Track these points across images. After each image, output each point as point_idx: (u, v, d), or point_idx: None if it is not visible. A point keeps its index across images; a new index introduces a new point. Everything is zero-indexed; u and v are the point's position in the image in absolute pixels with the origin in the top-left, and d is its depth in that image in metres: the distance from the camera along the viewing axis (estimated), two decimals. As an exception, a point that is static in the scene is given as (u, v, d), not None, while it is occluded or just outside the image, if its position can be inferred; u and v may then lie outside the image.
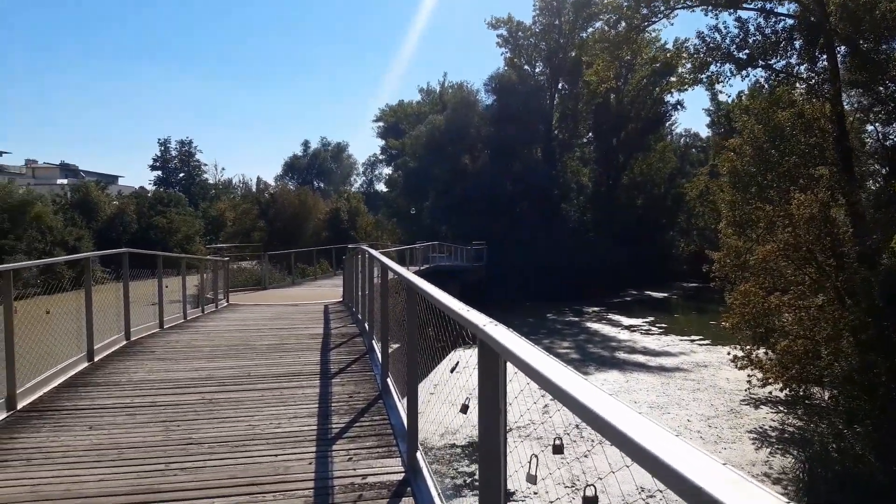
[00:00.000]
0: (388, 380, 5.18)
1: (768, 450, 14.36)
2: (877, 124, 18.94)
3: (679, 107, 51.72)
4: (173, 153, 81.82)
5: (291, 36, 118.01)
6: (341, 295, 16.57)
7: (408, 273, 3.67)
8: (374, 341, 7.10)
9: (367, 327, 7.96)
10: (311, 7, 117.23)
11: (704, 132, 75.07)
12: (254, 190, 50.58)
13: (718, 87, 17.41)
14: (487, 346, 1.94)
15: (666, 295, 42.21)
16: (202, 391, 5.64)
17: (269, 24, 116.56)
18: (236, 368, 6.70)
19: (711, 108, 69.19)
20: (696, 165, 66.69)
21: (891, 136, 19.03)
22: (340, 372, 6.36)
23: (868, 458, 11.38)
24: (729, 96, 67.51)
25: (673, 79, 16.75)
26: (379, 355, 6.20)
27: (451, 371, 3.13)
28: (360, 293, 10.39)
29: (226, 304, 15.31)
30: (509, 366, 1.83)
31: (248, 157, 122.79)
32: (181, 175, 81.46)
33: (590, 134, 50.91)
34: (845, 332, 12.70)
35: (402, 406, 4.54)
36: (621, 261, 41.93)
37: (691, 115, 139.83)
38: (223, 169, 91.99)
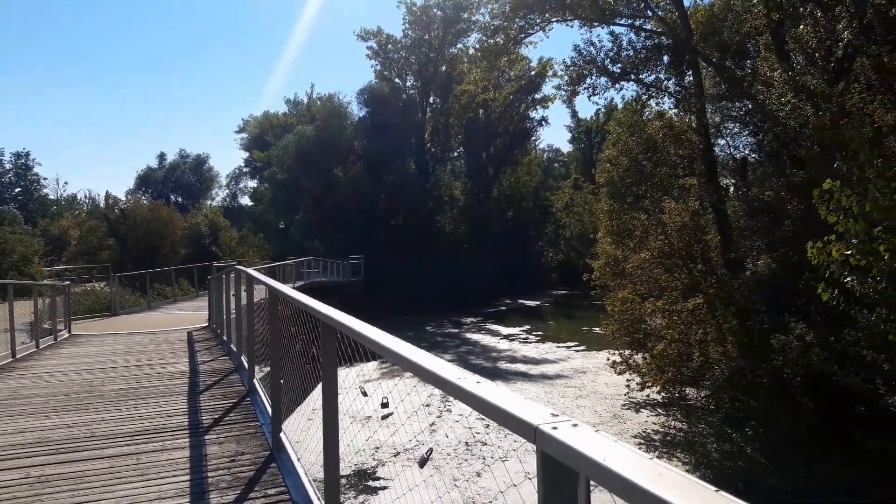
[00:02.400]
0: (282, 434, 4.07)
1: (654, 454, 14.54)
2: (728, 138, 20.34)
3: (544, 122, 53.98)
4: (7, 166, 72.94)
5: (145, 38, 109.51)
6: (206, 319, 14.84)
7: (321, 305, 2.72)
8: (256, 381, 5.85)
9: (244, 362, 6.66)
10: (167, 10, 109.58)
11: (566, 147, 79.47)
12: (101, 206, 45.85)
13: (595, 98, 17.71)
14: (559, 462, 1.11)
15: (538, 303, 43.34)
16: (27, 465, 4.20)
17: (116, 27, 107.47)
18: (77, 426, 5.19)
19: (572, 124, 73.50)
20: (559, 179, 70.09)
21: (740, 149, 20.49)
22: (216, 424, 5.03)
23: (760, 460, 11.64)
24: (599, 107, 71.54)
25: (552, 90, 16.80)
26: (265, 400, 5.04)
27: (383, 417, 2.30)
28: (231, 318, 9.02)
29: (67, 335, 13.07)
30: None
31: (96, 170, 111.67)
32: (17, 190, 72.75)
33: (461, 148, 51.53)
34: (728, 335, 13.08)
35: (303, 469, 3.51)
36: (495, 271, 42.71)
37: (552, 131, 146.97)
38: (66, 183, 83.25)
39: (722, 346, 13.47)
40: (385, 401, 14.81)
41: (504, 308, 40.58)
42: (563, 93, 17.49)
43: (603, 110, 70.50)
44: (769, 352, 11.75)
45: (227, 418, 5.19)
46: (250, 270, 6.16)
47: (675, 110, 18.56)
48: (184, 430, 4.85)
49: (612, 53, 17.27)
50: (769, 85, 15.32)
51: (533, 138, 57.12)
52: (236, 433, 4.70)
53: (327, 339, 2.57)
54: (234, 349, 7.87)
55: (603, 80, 17.22)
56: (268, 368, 5.86)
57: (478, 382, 1.58)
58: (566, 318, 36.66)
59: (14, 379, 7.64)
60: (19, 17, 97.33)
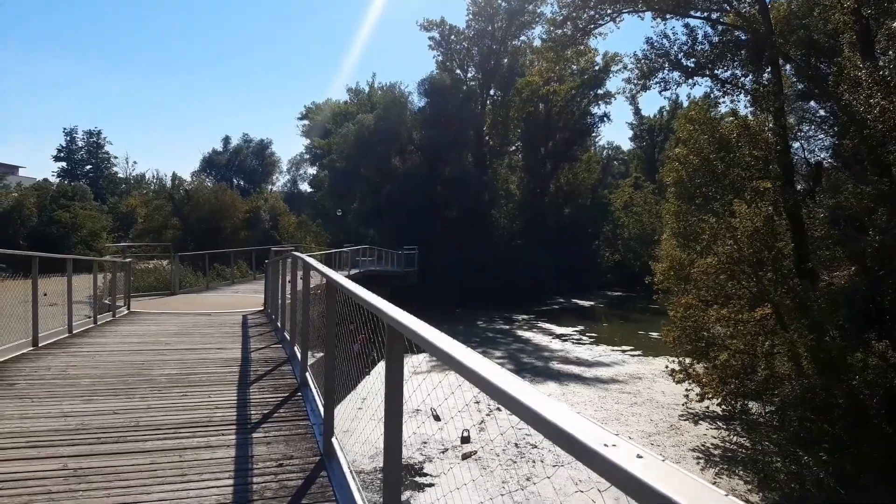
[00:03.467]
0: (335, 440, 3.77)
1: (714, 470, 13.86)
2: (802, 141, 19.14)
3: (606, 118, 52.67)
4: (80, 144, 76.14)
5: (214, 27, 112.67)
6: (262, 303, 14.88)
7: (387, 305, 2.39)
8: (308, 374, 5.59)
9: (297, 352, 6.42)
10: (236, 1, 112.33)
11: (626, 145, 77.63)
12: (168, 186, 47.20)
13: (666, 93, 16.90)
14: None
15: (592, 303, 42.43)
16: (65, 455, 3.96)
17: (188, 15, 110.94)
18: (121, 413, 4.95)
19: (634, 121, 71.57)
20: (618, 177, 68.43)
21: (815, 153, 19.27)
22: (265, 420, 4.76)
23: (831, 485, 10.83)
24: (664, 106, 69.60)
25: (619, 84, 16.11)
26: (317, 397, 4.77)
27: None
28: (286, 305, 8.86)
29: (126, 311, 13.29)
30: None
31: (163, 151, 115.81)
32: (88, 167, 75.93)
33: (519, 142, 50.82)
34: (802, 350, 12.23)
35: (356, 483, 3.20)
36: (549, 269, 42.00)
37: (612, 128, 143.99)
38: (135, 163, 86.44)
39: (793, 361, 12.62)
40: (435, 413, 14.71)
41: (557, 307, 39.90)
42: (633, 87, 16.70)
43: (668, 108, 68.74)
44: (847, 370, 10.89)
45: (276, 414, 4.93)
46: (307, 258, 5.87)
47: (751, 109, 17.56)
48: (230, 426, 4.61)
49: (686, 47, 16.42)
50: (857, 85, 14.24)
51: (593, 135, 55.87)
52: (285, 433, 4.41)
53: (393, 344, 2.25)
54: (288, 337, 7.68)
55: (676, 74, 16.43)
56: (320, 354, 5.63)
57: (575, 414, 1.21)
58: (621, 321, 35.76)
59: (67, 356, 7.54)
60: (96, 3, 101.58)
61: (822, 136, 19.55)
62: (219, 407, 5.19)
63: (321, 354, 5.80)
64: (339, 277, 3.61)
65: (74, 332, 9.31)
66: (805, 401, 12.74)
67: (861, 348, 10.83)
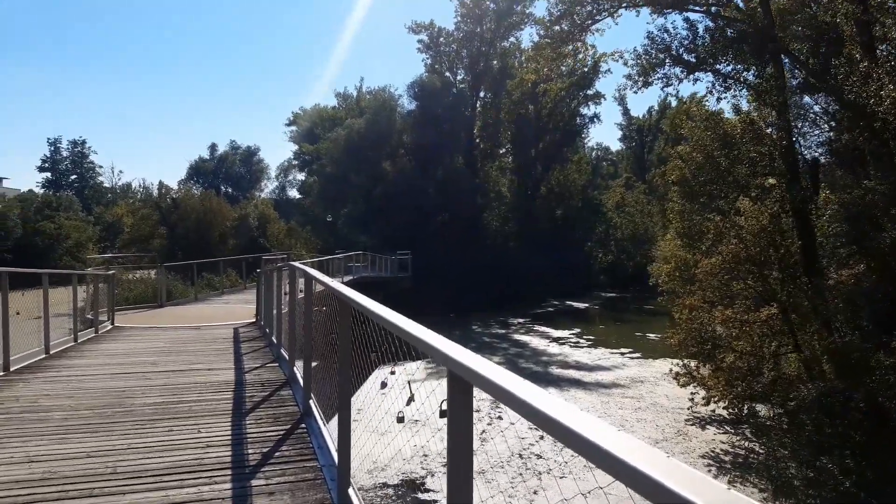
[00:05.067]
0: (351, 490, 3.14)
1: (727, 477, 13.38)
2: (798, 137, 18.77)
3: (595, 119, 52.45)
4: (64, 154, 75.06)
5: (199, 33, 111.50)
6: (254, 314, 14.22)
7: (420, 330, 1.83)
8: (312, 403, 4.95)
9: (297, 375, 5.76)
10: (220, 5, 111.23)
11: (615, 146, 77.56)
12: (155, 194, 46.47)
13: (669, 90, 16.41)
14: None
15: (587, 305, 42.08)
16: None
17: (173, 23, 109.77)
18: (97, 457, 4.25)
19: (623, 122, 71.49)
20: (607, 178, 68.28)
21: (811, 150, 18.89)
22: (265, 461, 4.07)
23: (853, 491, 10.33)
24: (660, 103, 69.61)
25: (620, 80, 15.56)
26: (324, 430, 4.15)
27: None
28: (281, 319, 8.24)
29: (110, 326, 12.60)
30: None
31: (150, 160, 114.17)
32: (73, 177, 74.84)
33: (509, 144, 50.44)
34: (821, 351, 11.76)
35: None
36: (542, 271, 41.58)
37: (600, 129, 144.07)
38: (121, 172, 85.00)
39: (812, 363, 12.14)
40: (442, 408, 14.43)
41: (552, 309, 39.49)
42: (634, 83, 16.19)
43: (657, 108, 68.63)
44: (870, 373, 10.41)
45: (278, 453, 4.24)
46: (311, 270, 5.16)
47: (754, 104, 17.12)
48: (225, 470, 3.94)
49: (687, 42, 15.97)
50: (868, 77, 13.83)
51: (583, 136, 55.64)
52: (290, 478, 3.74)
53: (458, 393, 1.75)
54: (286, 356, 7.03)
55: (678, 69, 15.95)
56: (315, 363, 4.99)
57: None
58: (617, 323, 35.37)
59: (40, 382, 6.80)
60: (79, 10, 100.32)
61: (818, 132, 19.21)
62: (211, 445, 4.49)
63: (315, 363, 5.21)
64: (358, 297, 3.02)
65: (52, 352, 8.61)
66: (822, 405, 12.26)
67: (883, 350, 10.37)
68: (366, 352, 3.49)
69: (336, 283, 3.56)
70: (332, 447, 3.85)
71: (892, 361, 10.77)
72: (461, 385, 1.72)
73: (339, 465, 3.26)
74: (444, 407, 1.79)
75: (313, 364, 5.05)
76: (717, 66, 16.42)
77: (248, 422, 5.11)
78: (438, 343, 1.89)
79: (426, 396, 13.58)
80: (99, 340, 10.45)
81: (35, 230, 41.37)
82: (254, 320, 13.52)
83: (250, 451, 4.39)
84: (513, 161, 50.85)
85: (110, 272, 14.69)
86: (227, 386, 6.56)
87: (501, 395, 1.48)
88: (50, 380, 7.02)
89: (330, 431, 4.24)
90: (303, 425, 4.79)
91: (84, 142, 75.22)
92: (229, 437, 4.71)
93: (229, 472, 3.91)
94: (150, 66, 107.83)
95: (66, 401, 6.00)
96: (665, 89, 16.52)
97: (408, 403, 14.14)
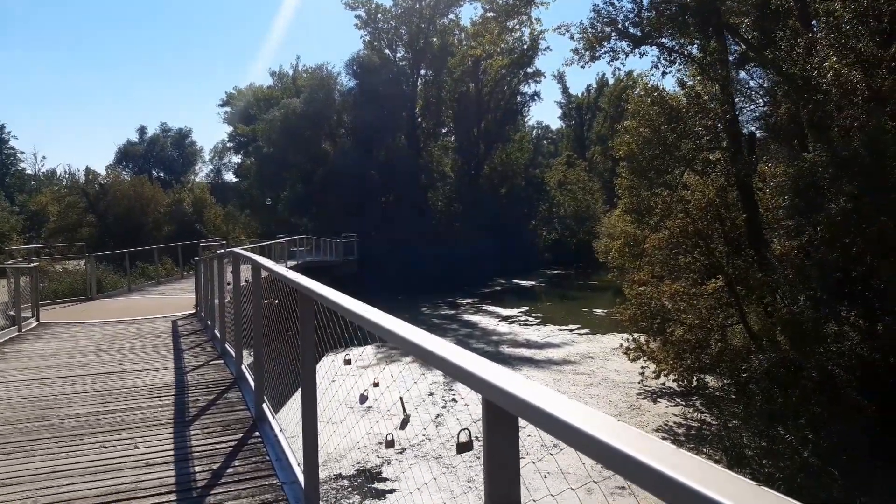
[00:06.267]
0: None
1: (682, 449, 13.51)
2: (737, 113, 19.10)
3: (536, 98, 52.54)
4: (-19, 140, 70.18)
5: (125, 11, 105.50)
6: (193, 305, 13.40)
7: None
8: (265, 408, 4.37)
9: (246, 375, 5.17)
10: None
11: (555, 124, 78.21)
12: (81, 181, 43.96)
13: (616, 63, 16.22)
14: None
15: (533, 283, 42.45)
16: None
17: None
18: (14, 485, 3.60)
19: (563, 100, 72.06)
20: (548, 156, 68.82)
21: (746, 125, 19.26)
22: (216, 481, 3.49)
23: (807, 459, 10.49)
24: (598, 81, 70.24)
25: (571, 53, 15.26)
26: (282, 441, 3.64)
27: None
28: (224, 311, 7.59)
29: (35, 323, 11.57)
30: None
31: (74, 145, 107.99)
32: (-8, 165, 70.20)
33: (451, 123, 49.97)
34: (774, 322, 11.90)
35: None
36: (488, 250, 41.61)
37: (540, 107, 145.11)
38: (44, 158, 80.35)
39: (763, 334, 12.30)
40: (405, 418, 13.00)
41: (499, 288, 39.62)
42: (581, 58, 15.93)
43: (595, 86, 69.36)
44: (823, 342, 10.57)
45: (230, 469, 3.66)
46: (259, 258, 4.50)
47: (698, 79, 17.21)
48: (168, 493, 3.37)
49: (632, 15, 15.82)
50: (810, 49, 13.98)
51: (523, 114, 55.69)
52: (246, 501, 3.22)
53: (499, 425, 1.28)
54: (231, 352, 6.41)
55: (624, 43, 15.79)
56: (264, 361, 4.42)
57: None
58: (563, 299, 35.75)
59: None
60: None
61: (753, 107, 19.55)
62: (150, 464, 3.88)
63: (256, 358, 4.64)
64: (327, 291, 2.53)
65: (-35, 356, 7.71)
66: (771, 375, 12.46)
67: (834, 319, 10.54)
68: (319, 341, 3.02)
69: (295, 275, 3.04)
70: (293, 459, 3.36)
71: (845, 329, 10.97)
72: (499, 413, 1.29)
73: (306, 485, 2.78)
74: (463, 439, 1.35)
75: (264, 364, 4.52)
76: (663, 41, 16.35)
77: (192, 432, 4.49)
78: (464, 361, 1.44)
79: (387, 384, 12.45)
80: (21, 340, 9.51)
81: (-49, 221, 38.69)
82: (193, 311, 12.74)
83: (197, 468, 3.81)
84: (455, 140, 50.45)
85: (32, 264, 13.51)
86: (167, 389, 5.88)
87: (562, 432, 1.05)
88: (-41, 389, 6.17)
89: (287, 438, 3.73)
90: (256, 433, 4.22)
91: (2, 127, 70.60)
92: (172, 453, 4.08)
93: (174, 496, 3.30)
94: (72, 44, 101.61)
95: (-22, 414, 5.23)
96: (612, 63, 16.31)
97: (402, 427, 12.61)
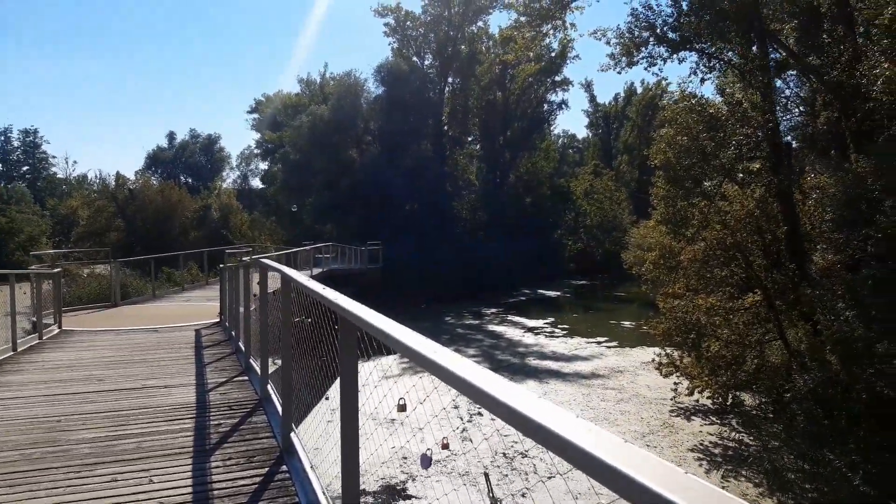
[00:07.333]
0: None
1: (719, 472, 12.89)
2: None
3: (563, 106, 52.10)
4: (15, 144, 71.68)
5: (157, 19, 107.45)
6: (217, 313, 13.16)
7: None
8: (294, 437, 3.95)
9: (273, 398, 4.77)
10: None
11: (581, 133, 77.53)
12: (111, 185, 44.53)
13: (654, 69, 15.75)
14: None
15: (558, 293, 41.87)
16: None
17: (126, 4, 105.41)
18: None
19: (590, 109, 71.36)
20: (574, 165, 68.12)
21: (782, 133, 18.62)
22: None
23: (856, 485, 9.85)
24: (626, 90, 69.42)
25: (607, 59, 14.82)
26: (315, 481, 3.24)
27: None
28: (248, 322, 7.27)
29: (57, 330, 11.41)
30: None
31: (106, 150, 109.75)
32: (25, 168, 71.58)
33: (477, 131, 49.69)
34: (827, 341, 11.27)
35: None
36: (512, 260, 41.19)
37: (566, 116, 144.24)
38: (75, 163, 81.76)
39: (797, 352, 11.67)
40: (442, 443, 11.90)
41: (524, 298, 39.10)
42: (618, 63, 15.47)
43: (623, 95, 68.49)
44: (873, 362, 9.94)
45: None
46: (290, 271, 4.01)
47: (738, 86, 16.63)
48: None
49: (671, 20, 15.33)
50: (858, 57, 13.36)
51: (550, 123, 55.21)
52: None
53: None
54: (256, 369, 6.04)
55: (662, 49, 15.31)
56: (293, 386, 4.02)
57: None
58: (590, 311, 35.10)
59: None
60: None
61: (789, 116, 18.87)
62: (166, 502, 3.48)
63: (284, 374, 4.25)
64: (376, 319, 2.13)
65: (-13, 365, 7.48)
66: (817, 395, 11.80)
67: (887, 339, 9.91)
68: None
69: (335, 295, 2.63)
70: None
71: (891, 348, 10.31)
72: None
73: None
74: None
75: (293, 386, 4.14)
76: (702, 46, 15.81)
77: (213, 463, 4.07)
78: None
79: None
80: (41, 349, 9.30)
81: (-16, 225, 39.35)
82: (217, 320, 12.49)
83: (220, 512, 3.47)
84: (481, 149, 50.14)
85: (55, 269, 13.39)
86: (188, 410, 5.49)
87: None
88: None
89: (319, 476, 3.34)
90: (283, 467, 3.82)
91: (36, 131, 72.22)
92: (190, 490, 3.65)
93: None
94: (105, 51, 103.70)
95: (-16, 437, 4.85)
96: (649, 69, 15.82)
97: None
